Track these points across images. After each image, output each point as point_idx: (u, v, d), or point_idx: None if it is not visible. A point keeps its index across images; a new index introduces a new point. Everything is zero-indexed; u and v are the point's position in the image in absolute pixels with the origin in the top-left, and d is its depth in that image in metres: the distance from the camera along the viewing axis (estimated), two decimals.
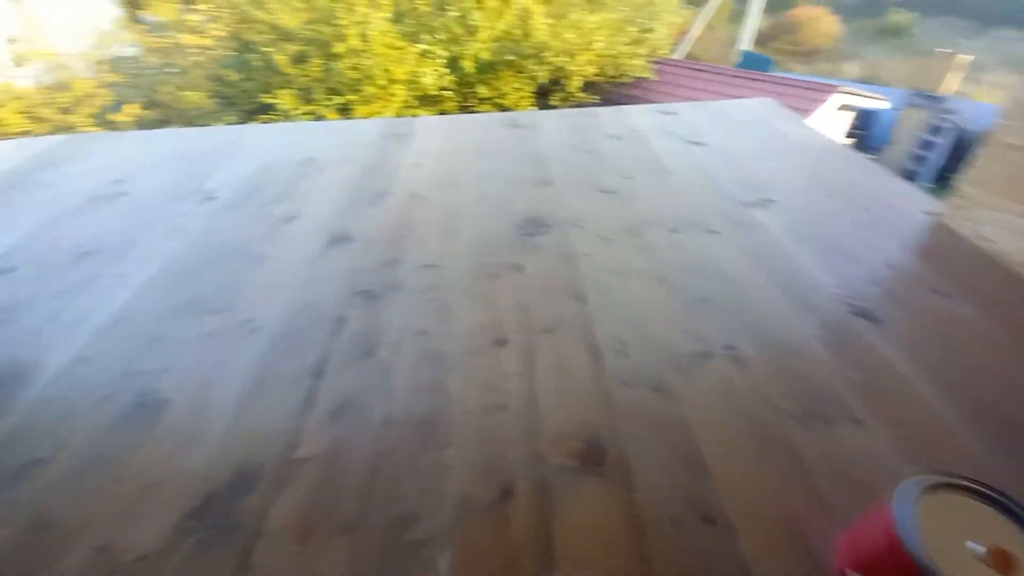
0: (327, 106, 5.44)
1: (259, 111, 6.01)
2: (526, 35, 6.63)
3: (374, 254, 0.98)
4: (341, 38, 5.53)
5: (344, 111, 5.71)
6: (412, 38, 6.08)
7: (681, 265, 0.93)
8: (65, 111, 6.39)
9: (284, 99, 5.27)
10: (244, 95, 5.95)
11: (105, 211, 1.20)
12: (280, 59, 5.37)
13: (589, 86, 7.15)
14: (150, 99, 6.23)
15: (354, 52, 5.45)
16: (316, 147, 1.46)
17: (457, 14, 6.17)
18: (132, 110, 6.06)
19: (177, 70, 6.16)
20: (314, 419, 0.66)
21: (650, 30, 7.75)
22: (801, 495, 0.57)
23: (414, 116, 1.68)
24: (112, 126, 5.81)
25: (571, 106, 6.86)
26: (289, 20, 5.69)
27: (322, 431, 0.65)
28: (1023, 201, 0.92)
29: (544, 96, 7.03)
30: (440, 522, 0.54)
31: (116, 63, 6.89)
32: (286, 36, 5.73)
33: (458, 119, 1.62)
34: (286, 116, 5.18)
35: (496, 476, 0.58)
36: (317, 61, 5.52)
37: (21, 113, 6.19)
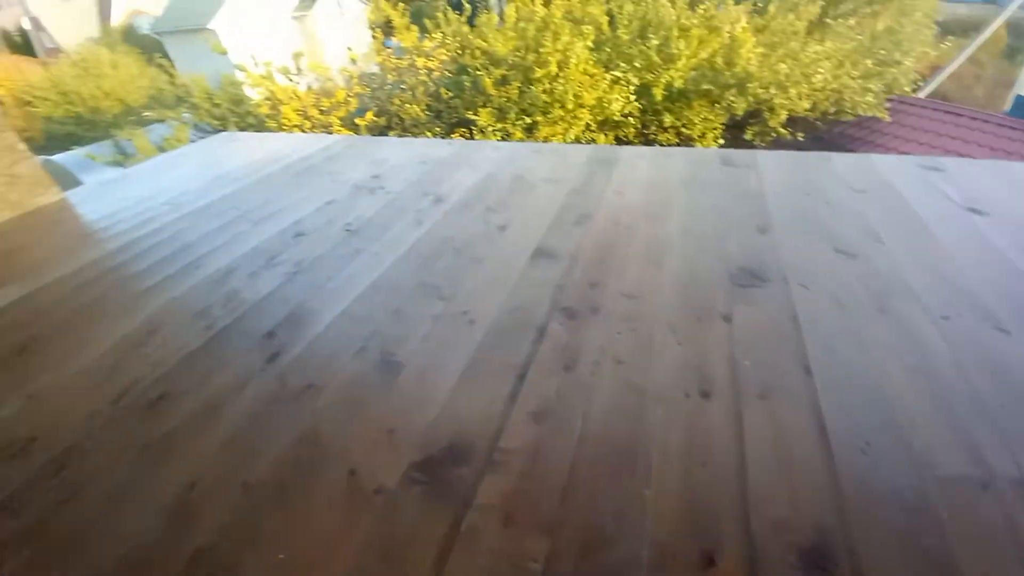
0: (516, 125, 5.98)
1: (459, 124, 6.90)
2: (729, 64, 6.26)
3: (576, 274, 1.04)
4: (542, 64, 6.02)
5: (529, 130, 6.20)
6: (607, 65, 6.29)
7: (952, 360, 0.76)
8: (324, 112, 8.22)
9: (483, 117, 5.97)
10: (451, 110, 6.92)
11: (367, 199, 1.51)
12: (486, 81, 6.10)
13: (794, 122, 6.39)
14: (382, 108, 7.69)
15: (551, 77, 5.88)
16: (527, 166, 1.60)
17: (657, 42, 6.16)
18: (369, 116, 7.54)
19: (406, 87, 7.50)
20: (517, 416, 0.73)
21: (890, 62, 6.58)
22: None
23: (612, 144, 1.72)
24: (354, 127, 7.31)
25: (769, 141, 6.24)
26: (501, 47, 6.42)
27: (525, 429, 0.70)
28: None
29: (736, 129, 6.53)
30: (636, 557, 0.54)
31: (363, 78, 8.68)
32: (495, 61, 6.48)
33: (667, 151, 1.61)
34: (481, 131, 5.85)
35: (699, 538, 0.56)
36: (516, 84, 6.12)
37: (296, 112, 8.20)
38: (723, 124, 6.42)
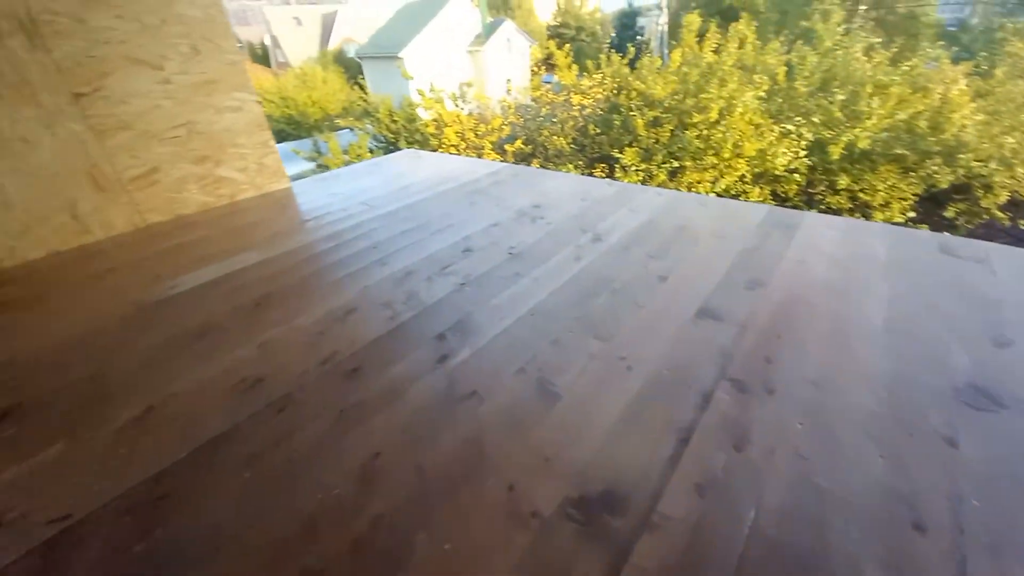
0: (662, 167, 5.87)
1: (601, 160, 7.02)
2: (935, 129, 5.38)
3: (746, 344, 0.97)
4: (701, 110, 5.86)
5: (673, 174, 6.04)
6: (777, 117, 5.87)
7: None
8: (479, 136, 9.02)
9: (627, 155, 5.99)
10: (595, 146, 7.10)
11: (529, 227, 1.61)
12: (638, 122, 6.13)
13: (1016, 205, 5.20)
14: (529, 138, 8.21)
15: (709, 124, 5.69)
16: (691, 216, 1.56)
17: (843, 97, 5.57)
18: (518, 144, 8.11)
19: (556, 120, 7.92)
20: (679, 482, 0.70)
21: None
22: None
23: (807, 202, 1.58)
24: (503, 152, 7.92)
25: (977, 224, 5.16)
26: (659, 90, 6.42)
27: (686, 499, 0.67)
28: None
29: (931, 203, 5.54)
30: None
31: (519, 109, 9.38)
32: (650, 103, 6.49)
33: (864, 225, 1.44)
34: (623, 168, 5.88)
35: None
36: (668, 127, 6.04)
37: (456, 133, 9.14)
38: (916, 195, 5.50)
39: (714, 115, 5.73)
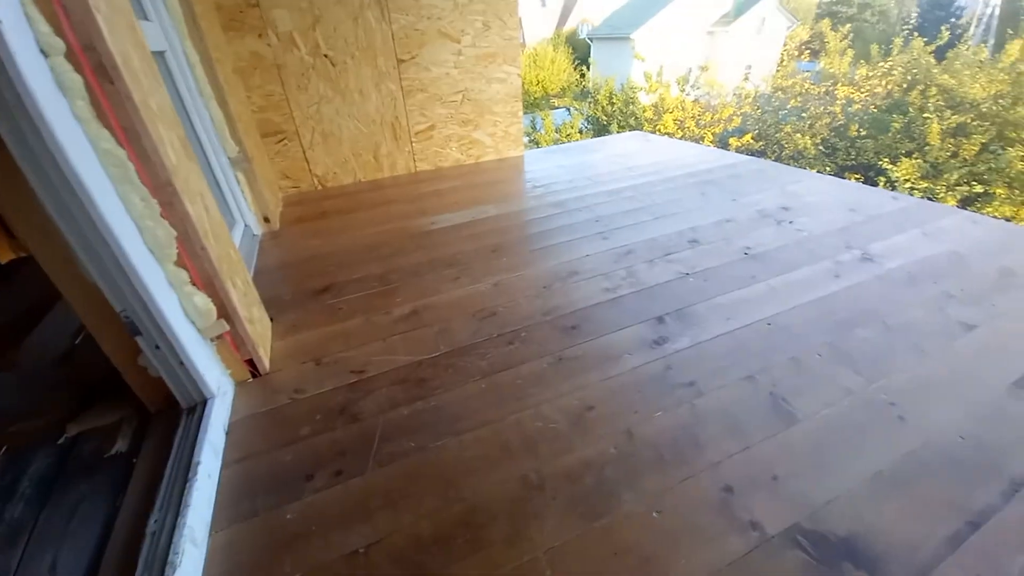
0: (952, 190, 4.41)
1: (856, 169, 5.70)
2: None
3: None
4: None
5: (968, 203, 4.49)
6: None
7: None
8: (700, 126, 8.30)
9: (902, 168, 4.65)
10: (851, 150, 5.73)
11: (770, 229, 1.43)
12: (933, 127, 4.70)
13: None
14: (762, 132, 7.15)
15: None
16: None
17: None
18: (747, 138, 7.17)
19: (806, 116, 6.65)
20: (953, 568, 0.55)
21: None
22: None
23: None
24: (725, 145, 7.14)
25: None
26: (978, 91, 4.78)
27: None
28: None
29: None
30: None
31: (756, 99, 8.20)
32: (956, 105, 4.89)
33: None
34: (891, 184, 4.63)
35: None
36: (979, 140, 4.45)
37: (675, 120, 8.58)
38: None
39: None
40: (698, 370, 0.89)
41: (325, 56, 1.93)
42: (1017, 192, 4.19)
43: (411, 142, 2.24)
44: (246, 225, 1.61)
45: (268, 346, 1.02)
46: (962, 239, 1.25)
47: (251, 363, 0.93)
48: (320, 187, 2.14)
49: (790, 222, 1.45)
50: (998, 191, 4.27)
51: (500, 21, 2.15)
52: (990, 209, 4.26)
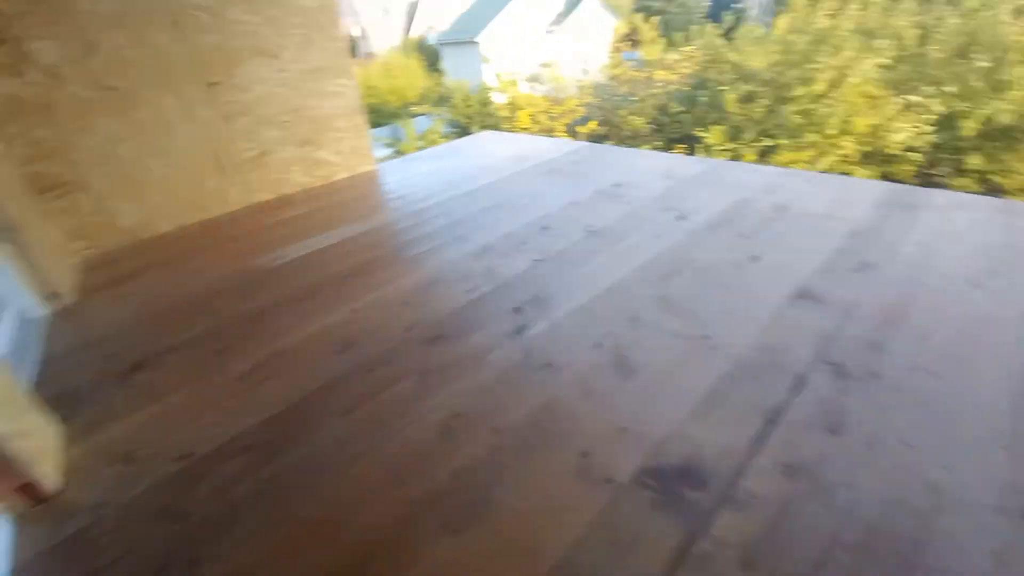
0: (752, 147, 5.38)
1: (680, 141, 6.61)
2: None
3: (851, 328, 0.89)
4: (807, 82, 5.25)
5: (764, 154, 5.51)
6: (900, 88, 5.08)
7: None
8: (552, 119, 8.88)
9: (712, 134, 5.56)
10: (676, 125, 6.68)
11: (608, 205, 1.58)
12: (728, 97, 5.66)
13: None
14: (605, 119, 7.93)
15: (813, 97, 5.08)
16: (794, 195, 1.43)
17: (987, 64, 4.68)
18: (591, 125, 7.87)
19: (636, 99, 7.54)
20: (763, 461, 0.67)
21: None
22: None
23: (924, 186, 1.40)
24: (575, 134, 7.75)
25: None
26: (756, 61, 5.85)
27: (772, 479, 0.64)
28: None
29: None
30: None
31: (595, 89, 9.06)
32: (744, 77, 5.95)
33: (1013, 206, 1.23)
34: (707, 149, 5.47)
35: None
36: (764, 103, 5.50)
37: (529, 116, 9.08)
38: None
39: (821, 87, 5.12)
40: (555, 350, 0.95)
41: (111, 89, 1.65)
42: (795, 139, 5.22)
43: (242, 172, 2.03)
44: (19, 310, 1.30)
45: (56, 458, 0.82)
46: (748, 187, 1.50)
47: (27, 488, 0.74)
48: (130, 242, 1.82)
49: (621, 196, 1.62)
50: (782, 142, 5.27)
51: (323, 33, 2.05)
52: (779, 158, 5.24)
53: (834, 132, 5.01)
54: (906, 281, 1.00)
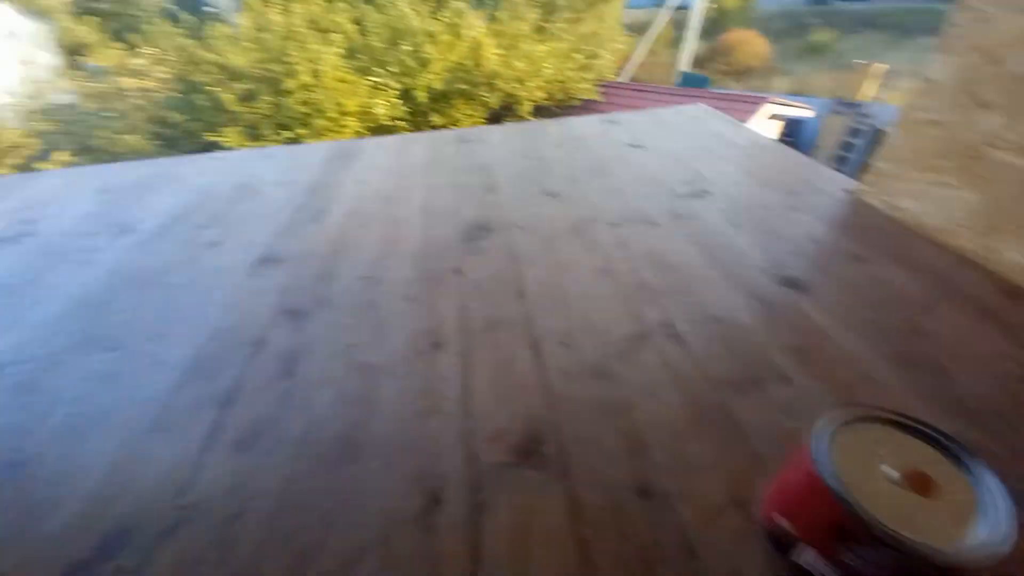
0: (275, 141, 5.38)
1: (203, 150, 5.88)
2: (477, 65, 6.84)
3: (305, 272, 0.94)
4: (292, 75, 5.53)
5: (291, 143, 5.68)
6: (364, 72, 6.15)
7: (623, 256, 0.94)
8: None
9: (230, 136, 5.19)
10: (188, 135, 5.83)
11: (6, 251, 1.10)
12: (227, 98, 5.32)
13: (539, 110, 7.43)
14: (84, 145, 6.00)
15: (305, 87, 5.46)
16: (254, 172, 1.41)
17: (410, 48, 6.29)
18: (62, 157, 5.81)
19: (115, 115, 5.98)
20: (215, 454, 0.60)
21: (596, 56, 8.19)
22: (740, 458, 0.55)
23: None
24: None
25: None
26: (238, 59, 5.66)
27: (223, 466, 0.58)
28: (928, 170, 0.98)
29: (496, 121, 7.23)
30: (353, 543, 0.49)
31: (49, 112, 6.63)
32: (234, 75, 5.68)
33: (408, 138, 1.61)
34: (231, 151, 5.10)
35: (424, 483, 0.54)
36: (266, 98, 5.49)
37: None
38: (484, 118, 7.04)
39: (305, 78, 5.54)
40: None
41: None
42: (309, 125, 5.60)
43: None
44: None
45: None
46: (207, 178, 1.37)
47: None
48: None
49: (30, 234, 1.17)
50: (300, 131, 5.55)
51: None
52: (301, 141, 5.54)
53: (335, 115, 5.64)
54: (348, 216, 1.14)
